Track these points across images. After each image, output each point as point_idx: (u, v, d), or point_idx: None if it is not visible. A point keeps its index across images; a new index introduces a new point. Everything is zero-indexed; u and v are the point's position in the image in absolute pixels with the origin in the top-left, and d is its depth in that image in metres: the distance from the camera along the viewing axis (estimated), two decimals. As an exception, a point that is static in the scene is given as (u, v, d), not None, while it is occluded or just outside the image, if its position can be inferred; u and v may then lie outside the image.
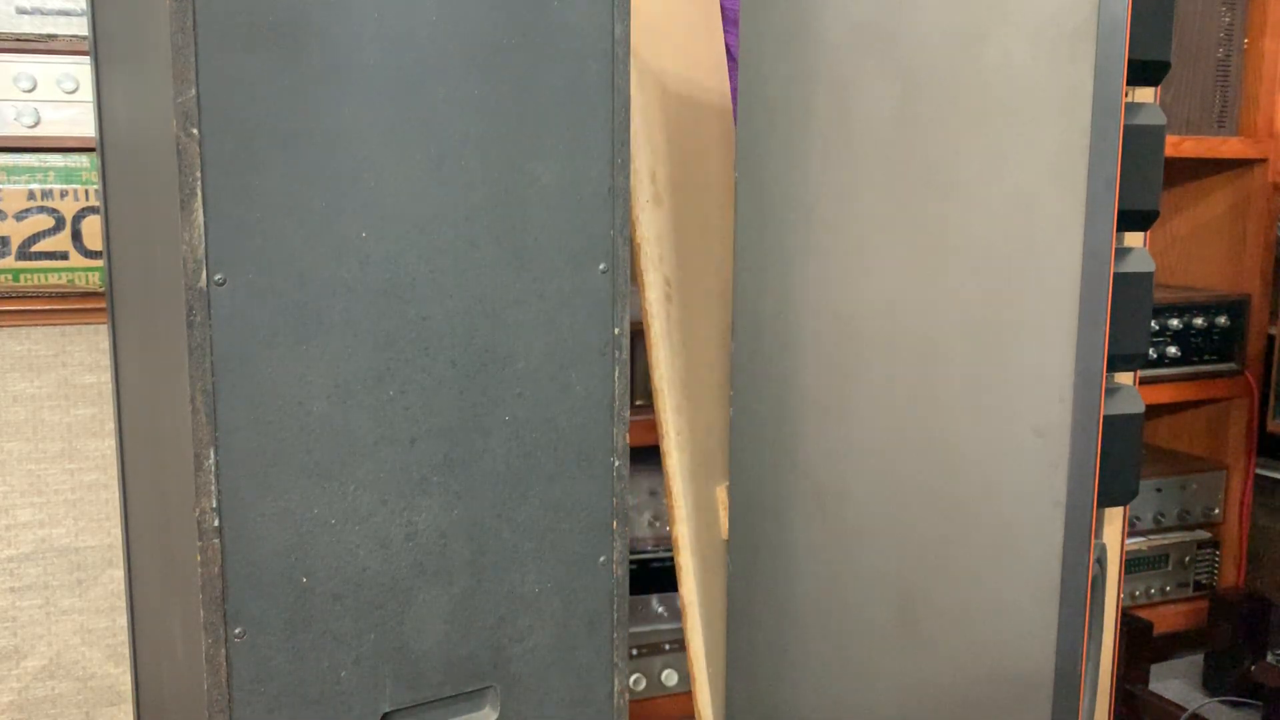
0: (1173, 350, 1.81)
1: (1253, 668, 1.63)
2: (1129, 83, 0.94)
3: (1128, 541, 1.85)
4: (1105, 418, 0.94)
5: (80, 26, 1.31)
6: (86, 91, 1.30)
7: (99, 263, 1.33)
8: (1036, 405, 0.95)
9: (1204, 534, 1.92)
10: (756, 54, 1.16)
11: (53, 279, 1.32)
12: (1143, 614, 1.78)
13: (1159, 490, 1.88)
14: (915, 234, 1.02)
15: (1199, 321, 1.83)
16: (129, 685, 1.29)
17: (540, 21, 0.97)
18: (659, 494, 1.61)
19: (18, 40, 1.29)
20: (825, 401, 1.13)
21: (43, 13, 1.30)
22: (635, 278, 1.38)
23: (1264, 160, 1.85)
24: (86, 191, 1.32)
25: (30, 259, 1.31)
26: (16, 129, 1.29)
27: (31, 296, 1.32)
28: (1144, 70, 0.94)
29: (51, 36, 1.31)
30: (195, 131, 0.83)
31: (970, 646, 1.03)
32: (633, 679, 1.59)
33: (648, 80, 1.38)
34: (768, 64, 1.15)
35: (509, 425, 1.00)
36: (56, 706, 1.39)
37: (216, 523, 0.87)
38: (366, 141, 0.90)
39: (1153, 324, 1.80)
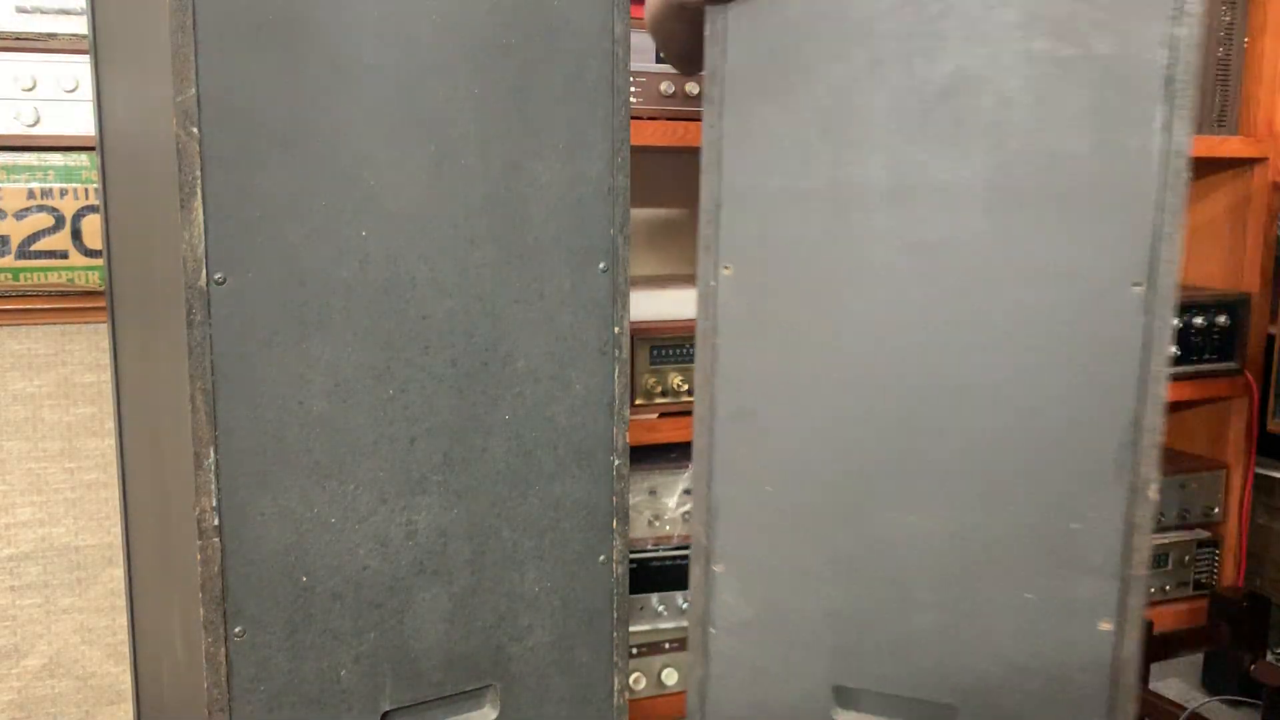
0: (1172, 349, 1.81)
1: (1252, 667, 1.63)
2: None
3: (1128, 541, 1.85)
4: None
5: (80, 26, 1.31)
6: (86, 90, 1.30)
7: (99, 262, 1.33)
8: None
9: (1204, 533, 1.92)
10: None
11: (52, 278, 1.32)
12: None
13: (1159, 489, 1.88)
14: None
15: (1199, 321, 1.83)
16: (129, 684, 1.29)
17: (540, 20, 0.97)
18: (659, 493, 1.61)
19: (18, 39, 1.29)
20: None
21: (43, 12, 1.30)
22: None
23: (1264, 160, 1.84)
24: (86, 190, 1.32)
25: (30, 258, 1.31)
26: (16, 128, 1.29)
27: (31, 295, 1.32)
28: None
29: (51, 35, 1.31)
30: (195, 130, 0.83)
31: None
32: (633, 678, 1.59)
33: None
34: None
35: (509, 424, 1.00)
36: (56, 705, 1.39)
37: (216, 522, 0.87)
38: (366, 141, 0.90)
39: (1153, 324, 1.80)
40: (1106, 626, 0.95)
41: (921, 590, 1.02)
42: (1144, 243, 0.91)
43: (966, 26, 0.94)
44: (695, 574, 1.10)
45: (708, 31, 1.04)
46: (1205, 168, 1.93)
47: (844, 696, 1.06)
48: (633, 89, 1.50)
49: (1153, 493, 0.93)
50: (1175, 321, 1.81)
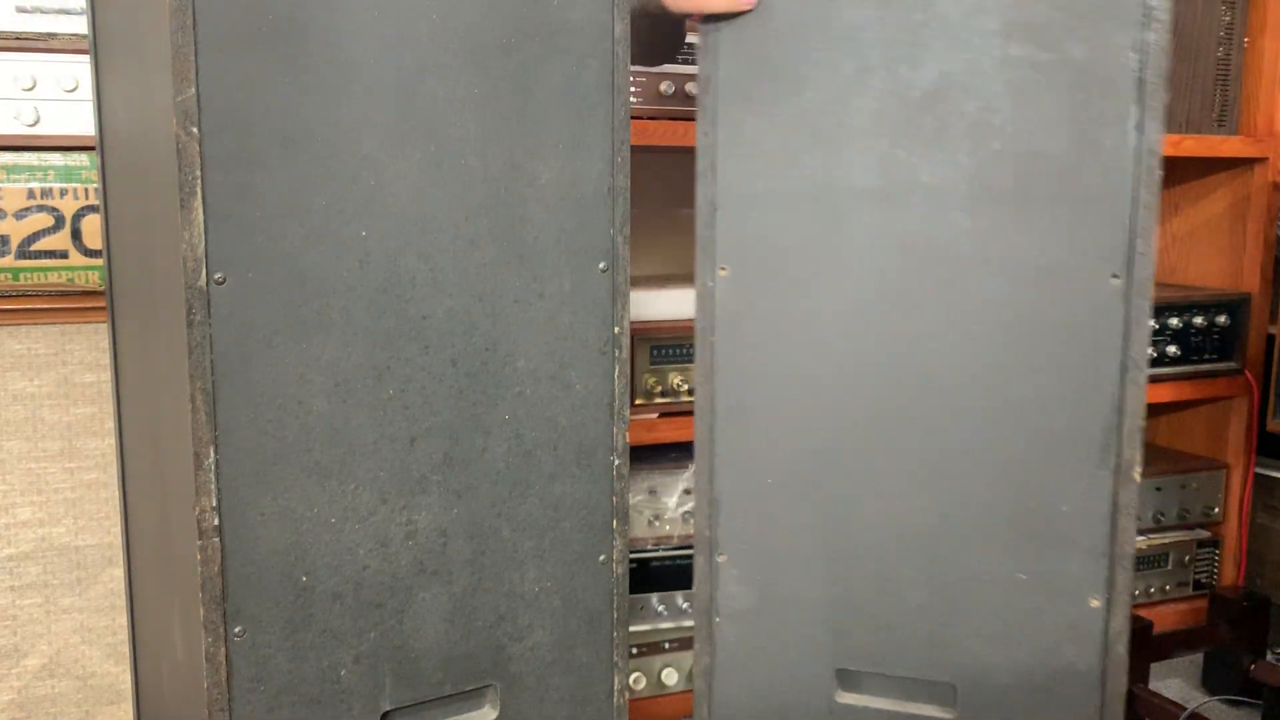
0: (1172, 349, 1.81)
1: (1252, 667, 1.63)
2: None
3: (1127, 541, 1.85)
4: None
5: (80, 25, 1.31)
6: (86, 90, 1.30)
7: (99, 261, 1.33)
8: None
9: (1204, 533, 1.92)
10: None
11: (52, 278, 1.32)
12: (1142, 613, 1.78)
13: (1159, 489, 1.88)
14: None
15: (1199, 321, 1.83)
16: (129, 684, 1.29)
17: (540, 20, 0.97)
18: (659, 493, 1.61)
19: (18, 39, 1.29)
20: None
21: (43, 11, 1.30)
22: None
23: (1264, 159, 1.84)
24: (86, 190, 1.32)
25: (30, 258, 1.31)
26: (16, 128, 1.29)
27: (31, 295, 1.32)
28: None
29: (51, 35, 1.31)
30: (195, 130, 0.83)
31: None
32: (633, 678, 1.59)
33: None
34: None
35: (509, 424, 1.00)
36: (56, 705, 1.39)
37: (216, 522, 0.87)
38: (366, 140, 0.90)
39: (1153, 323, 1.80)
40: (1096, 603, 0.99)
41: (917, 575, 1.05)
42: (1121, 236, 0.95)
43: (948, 34, 0.98)
44: (700, 564, 1.12)
45: (700, 43, 1.07)
46: (1205, 168, 1.93)
47: (846, 679, 1.09)
48: (633, 89, 1.50)
49: (1136, 474, 0.97)
50: (1175, 321, 1.82)
